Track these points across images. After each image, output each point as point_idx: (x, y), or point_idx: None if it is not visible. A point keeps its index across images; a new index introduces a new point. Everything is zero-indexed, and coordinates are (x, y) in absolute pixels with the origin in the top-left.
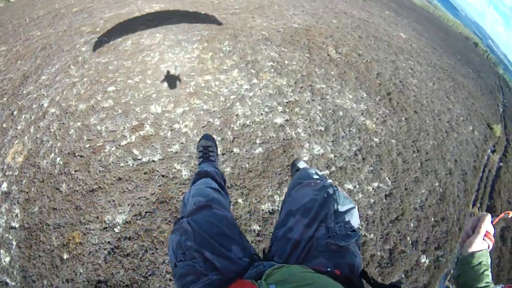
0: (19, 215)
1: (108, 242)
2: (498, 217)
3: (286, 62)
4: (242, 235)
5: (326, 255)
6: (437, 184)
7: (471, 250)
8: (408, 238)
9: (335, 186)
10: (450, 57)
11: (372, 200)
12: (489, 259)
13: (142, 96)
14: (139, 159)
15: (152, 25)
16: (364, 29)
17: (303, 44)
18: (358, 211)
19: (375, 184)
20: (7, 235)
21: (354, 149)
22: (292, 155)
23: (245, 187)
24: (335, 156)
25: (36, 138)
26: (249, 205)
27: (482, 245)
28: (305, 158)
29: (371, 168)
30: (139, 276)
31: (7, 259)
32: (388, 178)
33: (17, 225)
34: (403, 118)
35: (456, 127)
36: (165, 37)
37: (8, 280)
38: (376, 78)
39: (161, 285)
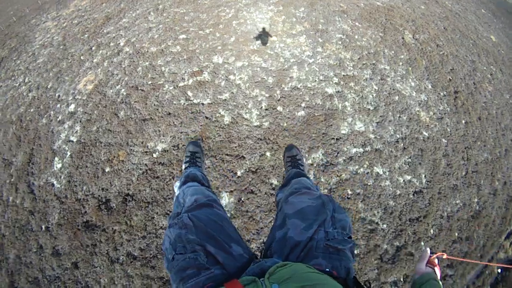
0: (78, 131)
1: (145, 164)
2: (435, 255)
3: (356, 37)
4: (241, 236)
5: (325, 256)
6: (475, 200)
7: (417, 274)
8: (422, 243)
9: (330, 196)
10: None
11: (398, 192)
12: (439, 279)
13: (208, 47)
14: (191, 100)
15: None
16: (452, 22)
17: (380, 23)
18: (380, 197)
19: (408, 177)
20: (64, 146)
21: (398, 136)
22: (331, 125)
23: (277, 143)
24: (375, 137)
25: (108, 71)
26: (275, 160)
27: (426, 269)
28: (344, 132)
29: (409, 160)
30: (160, 197)
31: (59, 165)
32: (424, 176)
33: (74, 139)
34: (463, 121)
35: None
36: None
37: (55, 182)
38: (448, 73)
39: None
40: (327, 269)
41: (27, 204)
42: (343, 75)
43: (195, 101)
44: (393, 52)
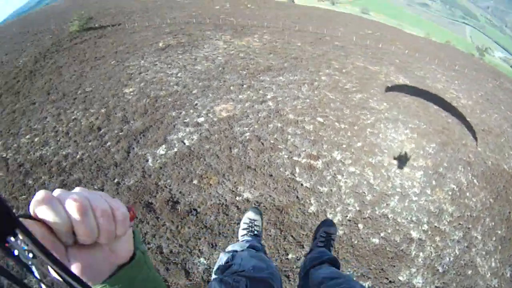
0: (194, 140)
1: (225, 199)
2: None
3: (468, 194)
4: None
5: None
6: None
7: None
8: None
9: None
10: None
11: None
12: None
13: (336, 140)
14: (294, 176)
15: (387, 93)
16: None
17: (495, 188)
18: None
19: None
20: (176, 142)
21: None
22: (394, 266)
23: (338, 253)
24: None
25: (246, 112)
26: None
27: None
28: (401, 279)
29: None
30: (217, 229)
31: (162, 152)
32: None
33: (187, 143)
34: None
35: None
36: (388, 109)
37: (150, 160)
38: None
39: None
40: None
41: (117, 157)
42: (434, 226)
43: (297, 178)
44: (493, 223)
